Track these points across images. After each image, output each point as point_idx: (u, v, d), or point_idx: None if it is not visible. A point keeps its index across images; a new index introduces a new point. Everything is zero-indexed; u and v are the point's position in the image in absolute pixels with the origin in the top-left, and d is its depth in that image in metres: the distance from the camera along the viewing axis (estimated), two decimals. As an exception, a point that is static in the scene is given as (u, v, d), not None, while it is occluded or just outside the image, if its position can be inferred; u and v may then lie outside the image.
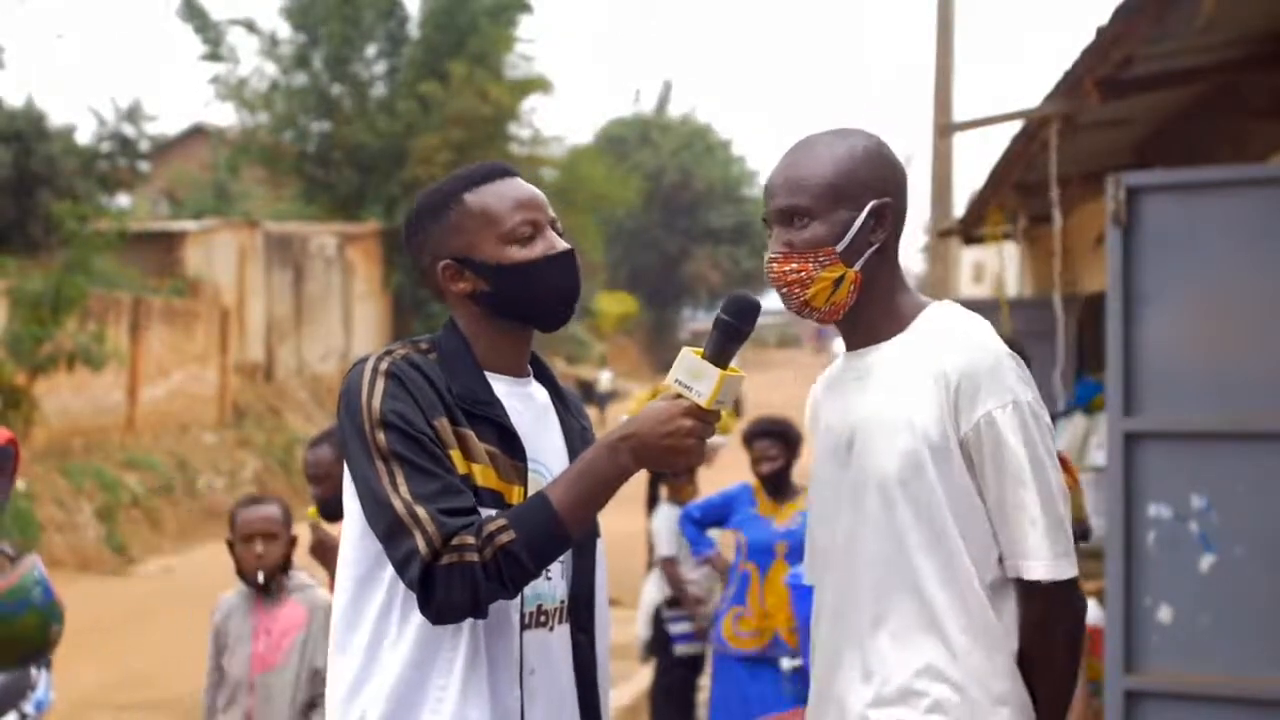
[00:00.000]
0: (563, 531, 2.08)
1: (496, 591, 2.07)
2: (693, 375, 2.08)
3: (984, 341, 2.20)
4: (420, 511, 2.05)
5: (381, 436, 2.10)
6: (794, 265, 2.24)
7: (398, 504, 2.07)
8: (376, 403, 2.12)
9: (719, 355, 2.10)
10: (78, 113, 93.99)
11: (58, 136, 18.92)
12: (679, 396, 2.09)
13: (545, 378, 2.35)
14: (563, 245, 2.24)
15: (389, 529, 2.08)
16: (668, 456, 2.09)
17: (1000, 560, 2.19)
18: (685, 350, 2.11)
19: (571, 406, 2.37)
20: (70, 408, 16.10)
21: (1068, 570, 2.17)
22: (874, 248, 2.25)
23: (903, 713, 2.18)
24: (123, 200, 23.87)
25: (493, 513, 2.11)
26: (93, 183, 19.62)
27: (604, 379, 30.79)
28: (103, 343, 15.03)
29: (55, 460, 15.34)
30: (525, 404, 2.26)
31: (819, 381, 2.46)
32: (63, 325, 14.32)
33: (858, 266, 2.24)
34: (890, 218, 2.26)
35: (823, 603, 2.34)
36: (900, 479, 2.18)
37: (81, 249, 14.73)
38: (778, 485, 5.85)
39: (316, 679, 4.06)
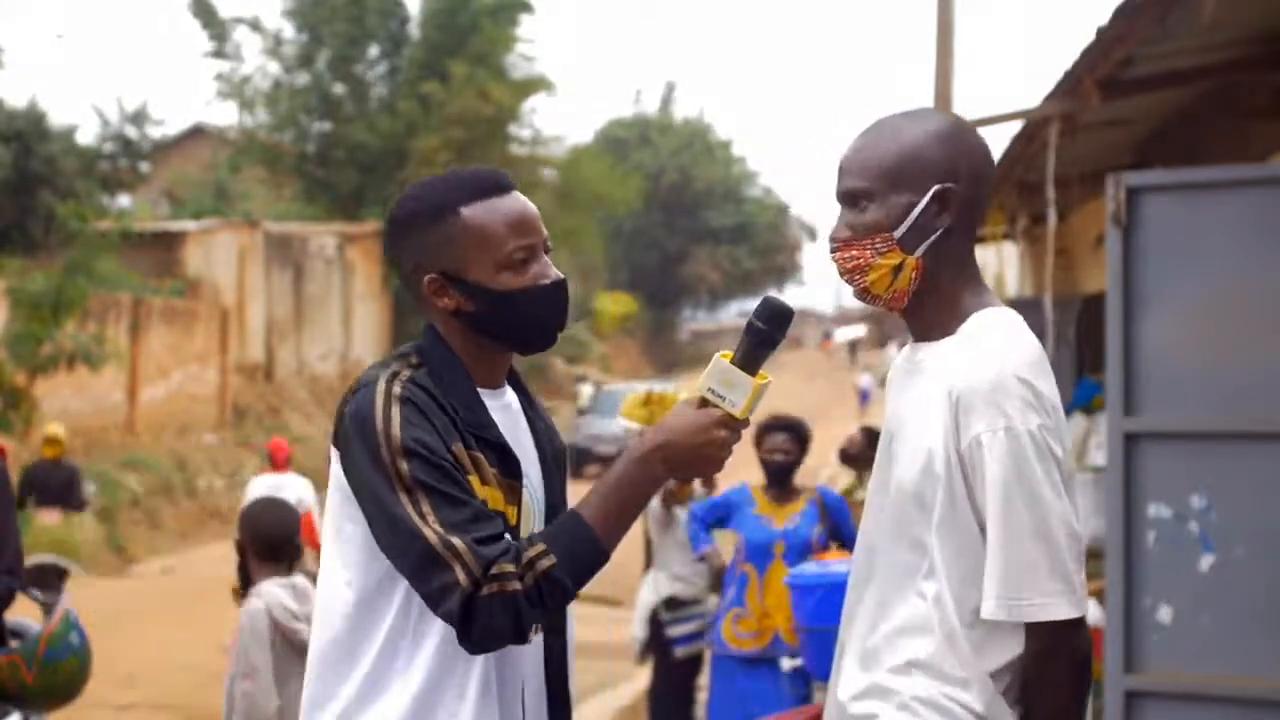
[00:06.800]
0: (601, 549, 2.04)
1: (538, 616, 2.03)
2: (726, 384, 2.05)
3: (995, 358, 2.08)
4: (456, 542, 1.99)
5: (405, 465, 2.02)
6: (853, 251, 2.17)
7: (430, 535, 1.99)
8: (396, 430, 2.04)
9: (750, 362, 2.06)
10: (80, 113, 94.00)
11: (58, 137, 18.95)
12: (705, 403, 2.06)
13: (510, 376, 2.30)
14: (555, 274, 2.17)
15: (420, 561, 2.01)
16: (699, 466, 2.07)
17: None
18: (717, 357, 2.08)
19: (535, 404, 2.33)
20: (70, 408, 16.11)
21: (1038, 613, 2.04)
22: (938, 234, 2.15)
23: (875, 706, 2.16)
24: (123, 200, 23.88)
25: (509, 538, 2.06)
26: (93, 183, 19.66)
27: (585, 393, 28.96)
28: (103, 343, 15.05)
29: (55, 460, 15.32)
30: (505, 415, 2.22)
31: (894, 364, 2.36)
32: (63, 326, 14.33)
33: (919, 254, 2.14)
34: (956, 204, 2.15)
35: (848, 596, 2.30)
36: (915, 484, 2.13)
37: (84, 250, 14.74)
38: (783, 481, 5.83)
39: (233, 693, 4.10)
